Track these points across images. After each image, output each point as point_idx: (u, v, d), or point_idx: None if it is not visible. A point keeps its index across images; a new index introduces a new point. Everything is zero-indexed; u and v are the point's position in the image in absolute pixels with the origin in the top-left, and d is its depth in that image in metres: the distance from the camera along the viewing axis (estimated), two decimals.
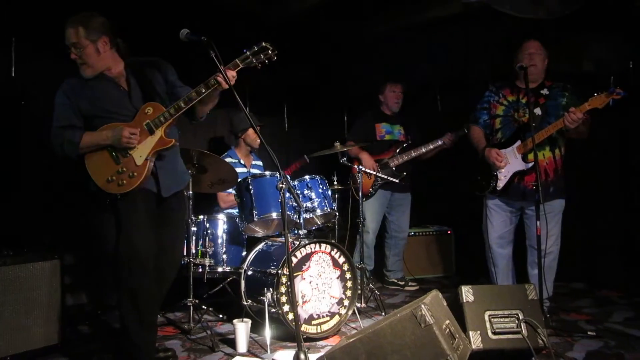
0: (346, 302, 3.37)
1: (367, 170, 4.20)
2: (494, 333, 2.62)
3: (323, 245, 3.33)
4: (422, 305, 2.24)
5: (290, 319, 3.07)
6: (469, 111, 4.06)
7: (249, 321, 3.06)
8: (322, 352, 2.71)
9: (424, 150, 4.48)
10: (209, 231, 3.69)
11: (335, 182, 3.99)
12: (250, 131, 4.25)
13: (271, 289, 3.10)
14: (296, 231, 3.49)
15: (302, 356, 2.33)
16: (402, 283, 4.76)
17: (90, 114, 2.66)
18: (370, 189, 4.48)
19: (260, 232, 3.72)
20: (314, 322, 3.22)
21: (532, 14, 3.87)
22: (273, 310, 3.09)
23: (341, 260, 3.39)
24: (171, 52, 3.01)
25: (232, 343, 3.09)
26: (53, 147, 2.67)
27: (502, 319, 2.66)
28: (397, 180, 4.23)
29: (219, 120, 4.75)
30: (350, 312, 3.37)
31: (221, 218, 3.78)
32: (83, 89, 2.67)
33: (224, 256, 3.71)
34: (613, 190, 4.51)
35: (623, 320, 3.53)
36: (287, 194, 2.72)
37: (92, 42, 2.62)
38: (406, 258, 4.97)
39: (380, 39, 5.32)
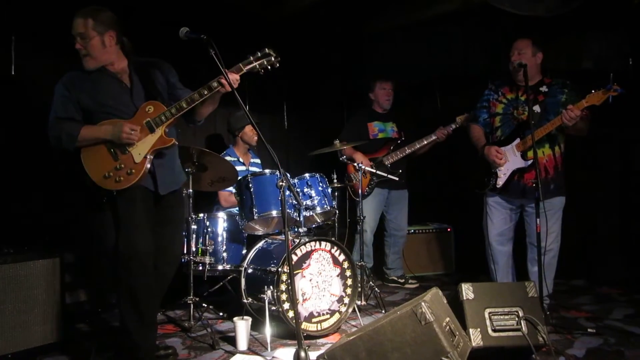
0: (346, 300, 3.38)
1: (366, 168, 4.20)
2: (494, 330, 2.62)
3: (323, 243, 3.33)
4: (423, 303, 2.24)
5: (290, 316, 3.08)
6: (468, 108, 4.06)
7: (249, 319, 3.06)
8: (322, 350, 2.71)
9: (418, 146, 4.49)
10: (209, 229, 3.69)
11: (334, 180, 3.99)
12: (247, 129, 4.26)
13: (271, 287, 3.10)
14: (296, 229, 3.50)
15: (302, 354, 2.33)
16: (402, 281, 4.76)
17: (90, 108, 2.65)
18: (367, 188, 4.49)
19: (260, 230, 3.72)
20: (314, 319, 3.23)
21: (531, 12, 3.87)
22: (273, 308, 3.10)
23: (341, 258, 3.39)
24: (171, 52, 3.01)
25: (232, 341, 3.09)
26: (49, 138, 2.64)
27: (502, 317, 2.66)
28: (396, 178, 4.23)
29: (218, 118, 4.75)
30: (350, 310, 3.37)
31: (221, 216, 3.78)
32: (84, 83, 2.66)
33: (224, 254, 3.71)
34: (613, 188, 4.51)
35: (623, 318, 3.53)
36: (287, 192, 2.72)
37: (99, 35, 2.63)
38: (406, 256, 4.97)
39: (380, 36, 5.32)
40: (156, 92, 2.77)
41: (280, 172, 2.52)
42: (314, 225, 3.89)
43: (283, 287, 3.11)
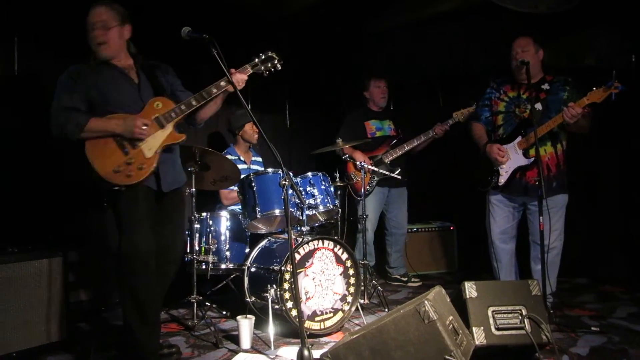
0: (349, 299, 3.38)
1: (367, 166, 4.19)
2: (498, 329, 2.62)
3: (326, 242, 3.33)
4: (426, 301, 2.24)
5: (293, 315, 3.08)
6: (466, 105, 4.06)
7: (253, 318, 3.06)
8: (325, 349, 2.72)
9: (416, 142, 4.50)
10: (212, 228, 3.70)
11: (337, 179, 3.99)
12: (247, 127, 4.27)
13: (274, 286, 3.11)
14: (299, 228, 3.50)
15: (305, 352, 2.34)
16: (405, 279, 4.76)
17: (95, 100, 2.64)
18: (368, 187, 4.49)
19: (263, 229, 3.72)
20: (317, 318, 3.23)
21: (533, 9, 3.86)
22: (276, 306, 3.10)
23: (344, 256, 3.39)
24: (172, 52, 3.02)
25: (235, 339, 3.10)
26: (52, 127, 2.60)
27: (505, 315, 2.66)
28: (399, 177, 4.22)
29: (220, 118, 4.75)
30: (353, 309, 3.37)
31: (224, 215, 3.78)
32: (90, 75, 2.66)
33: (227, 253, 3.71)
34: (617, 186, 4.50)
35: (627, 316, 3.52)
36: (290, 191, 2.72)
37: (119, 25, 2.67)
38: (409, 254, 4.97)
39: (381, 35, 5.31)
40: (162, 90, 2.79)
41: (283, 171, 2.53)
42: (316, 224, 3.89)
43: (286, 285, 3.11)
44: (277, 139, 4.72)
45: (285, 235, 3.62)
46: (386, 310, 3.73)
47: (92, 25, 2.64)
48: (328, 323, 3.27)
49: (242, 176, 3.64)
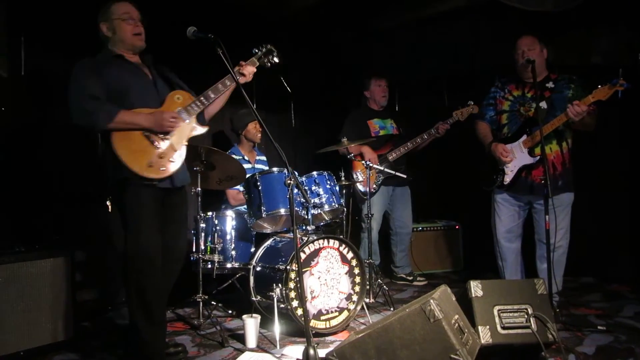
0: (355, 298, 3.38)
1: (374, 166, 4.19)
2: (503, 328, 2.61)
3: (331, 241, 3.33)
4: (431, 300, 2.24)
5: (299, 314, 3.08)
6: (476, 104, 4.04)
7: (258, 317, 3.07)
8: (331, 348, 2.71)
9: (419, 141, 4.50)
10: (217, 227, 3.70)
11: (342, 178, 3.99)
12: (250, 126, 4.28)
13: (280, 285, 3.11)
14: (304, 227, 3.50)
15: (311, 351, 2.34)
16: (411, 278, 4.76)
17: (116, 93, 2.63)
18: (374, 185, 4.49)
19: (268, 228, 3.73)
20: (322, 317, 3.23)
21: (539, 7, 3.84)
22: (282, 305, 3.11)
23: (349, 255, 3.39)
24: (173, 53, 3.04)
25: (241, 338, 3.10)
26: (75, 113, 2.54)
27: (511, 314, 2.65)
28: (404, 175, 4.22)
29: (225, 117, 4.76)
30: (359, 308, 3.38)
31: (230, 214, 3.79)
32: (111, 67, 2.67)
33: (233, 252, 3.72)
34: (623, 184, 4.47)
35: (634, 315, 3.51)
36: (295, 190, 2.73)
37: (141, 22, 2.80)
38: (414, 253, 4.97)
39: (386, 34, 5.30)
40: (174, 86, 2.85)
41: (288, 170, 2.54)
42: (322, 223, 3.89)
43: (292, 284, 3.11)
44: (282, 139, 4.73)
45: (290, 235, 3.62)
46: (392, 309, 3.73)
47: (136, 16, 2.74)
48: (333, 322, 3.27)
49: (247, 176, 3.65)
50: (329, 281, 3.29)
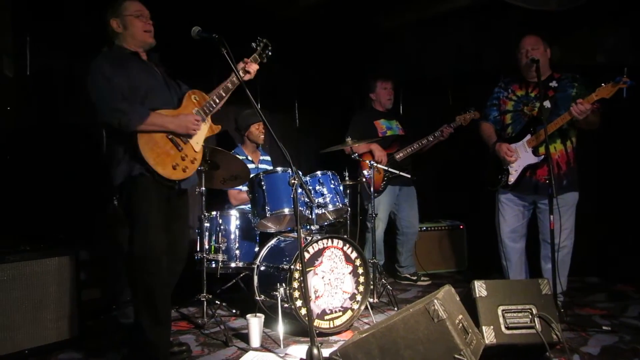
0: (359, 297, 3.38)
1: (380, 166, 4.20)
2: (508, 328, 2.60)
3: (335, 241, 3.33)
4: (435, 300, 2.23)
5: (303, 314, 3.08)
6: (480, 105, 4.03)
7: (262, 316, 3.07)
8: (334, 347, 2.72)
9: (425, 141, 4.51)
10: (221, 227, 3.71)
11: (346, 178, 3.99)
12: (253, 128, 4.29)
13: (284, 284, 3.11)
14: (308, 227, 3.50)
15: (315, 351, 2.34)
16: (415, 278, 4.76)
17: (134, 92, 2.61)
18: (382, 185, 4.49)
19: (272, 228, 3.73)
20: (326, 317, 3.23)
21: (544, 6, 3.83)
22: (286, 305, 3.11)
23: (353, 255, 3.39)
24: (175, 53, 3.04)
25: (245, 338, 3.11)
26: (107, 112, 2.51)
27: (515, 314, 2.64)
28: (408, 176, 4.23)
29: (230, 116, 4.77)
30: (362, 307, 3.38)
31: (234, 214, 3.79)
32: (125, 66, 2.64)
33: (237, 252, 3.72)
34: (628, 183, 4.46)
35: (638, 315, 3.50)
36: (299, 190, 2.73)
37: None
38: (418, 253, 4.97)
39: (391, 34, 5.30)
40: (179, 85, 2.86)
41: (292, 170, 2.53)
42: (326, 223, 3.89)
43: (295, 284, 3.11)
44: (286, 138, 4.73)
45: (294, 234, 3.62)
46: (395, 309, 3.73)
47: (147, 14, 2.75)
48: (337, 322, 3.27)
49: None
50: (332, 281, 3.29)
